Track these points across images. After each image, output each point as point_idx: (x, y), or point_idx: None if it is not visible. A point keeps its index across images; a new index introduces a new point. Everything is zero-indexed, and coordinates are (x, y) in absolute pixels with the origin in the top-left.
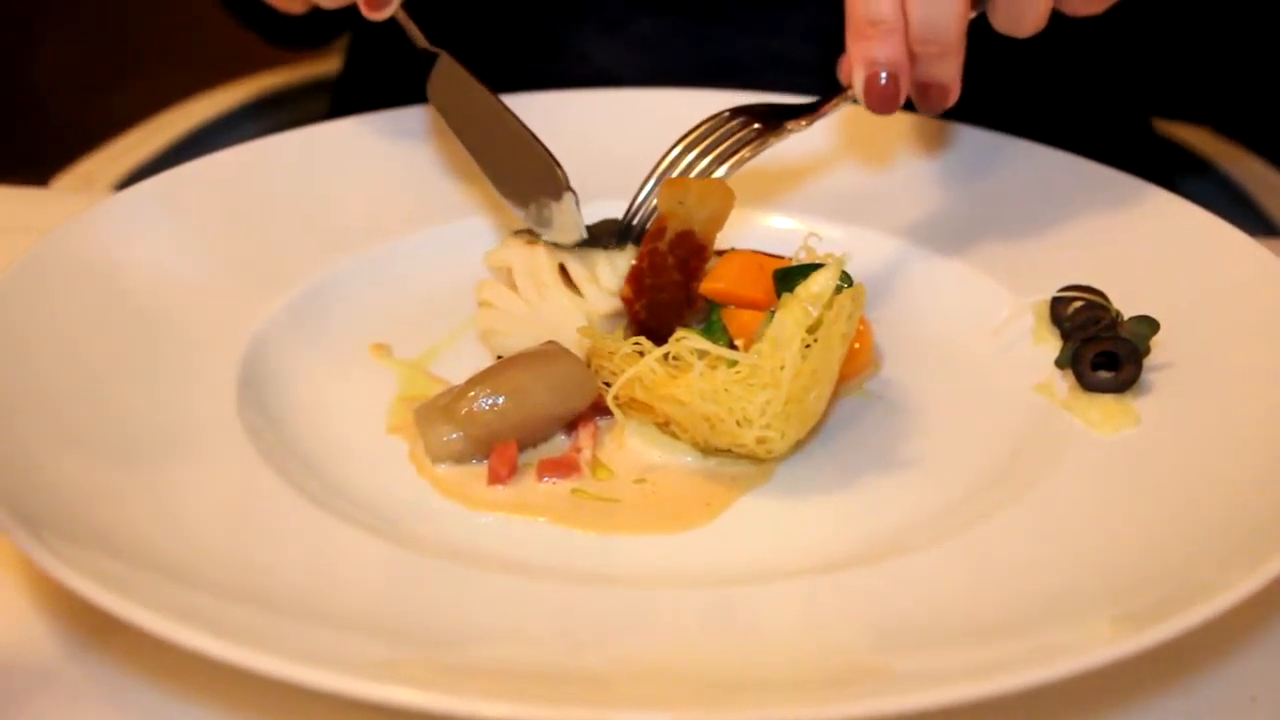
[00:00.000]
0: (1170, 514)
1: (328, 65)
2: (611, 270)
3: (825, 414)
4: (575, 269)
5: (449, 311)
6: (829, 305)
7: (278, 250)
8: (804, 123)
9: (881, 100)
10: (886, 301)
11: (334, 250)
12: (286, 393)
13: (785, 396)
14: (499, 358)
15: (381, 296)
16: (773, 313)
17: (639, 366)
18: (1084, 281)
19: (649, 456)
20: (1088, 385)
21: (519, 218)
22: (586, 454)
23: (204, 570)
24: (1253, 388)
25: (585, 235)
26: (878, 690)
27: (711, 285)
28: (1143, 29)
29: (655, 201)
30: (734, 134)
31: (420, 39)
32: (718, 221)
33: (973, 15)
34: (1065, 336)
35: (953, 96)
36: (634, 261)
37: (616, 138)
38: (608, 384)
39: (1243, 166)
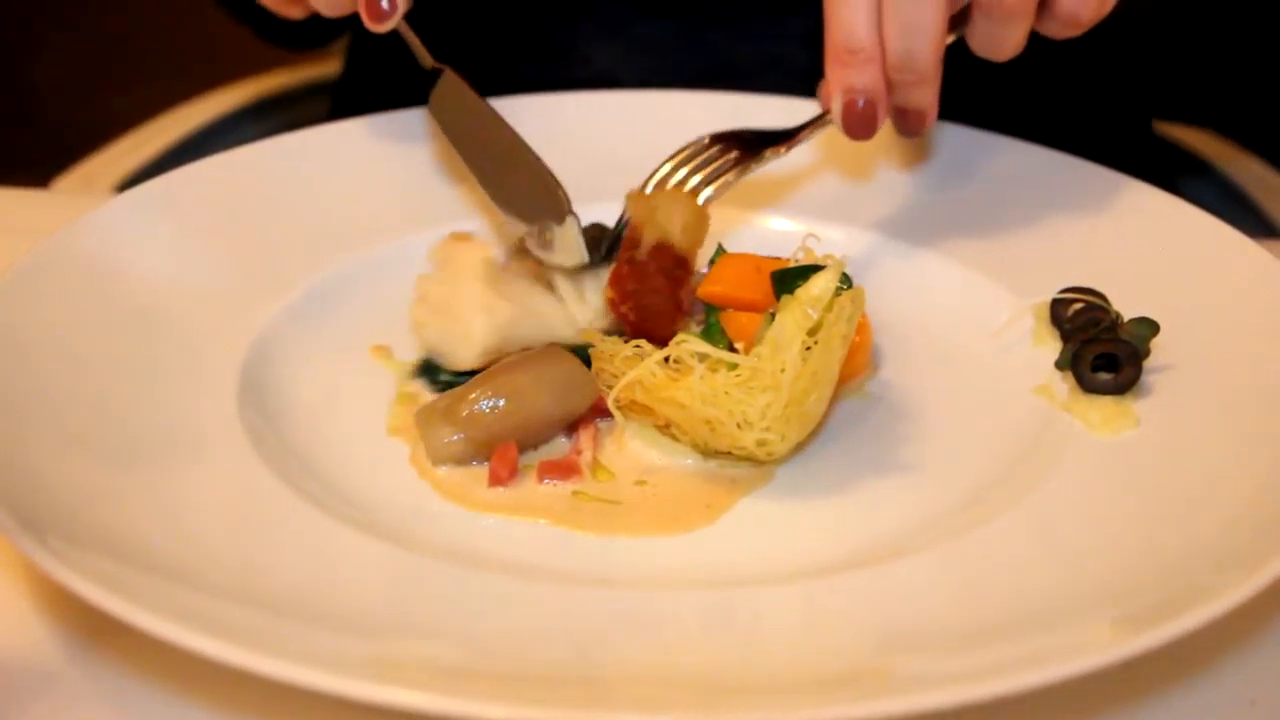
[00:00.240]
0: (1170, 516)
1: (328, 67)
2: (598, 291)
3: (825, 416)
4: (564, 288)
5: None
6: (829, 308)
7: (278, 252)
8: (783, 149)
9: (859, 126)
10: (886, 303)
11: (334, 252)
12: (287, 394)
13: (785, 399)
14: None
15: (382, 298)
16: (772, 315)
17: (639, 369)
18: (1084, 283)
19: (649, 458)
20: (1087, 387)
21: (520, 237)
22: (587, 456)
23: (205, 572)
24: (1252, 390)
25: (586, 259)
26: (878, 692)
27: (709, 288)
28: (1142, 31)
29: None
30: (714, 160)
31: (424, 54)
32: (695, 236)
33: (951, 40)
34: (1065, 338)
35: (930, 121)
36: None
37: (615, 139)
38: (609, 386)
39: (1243, 168)
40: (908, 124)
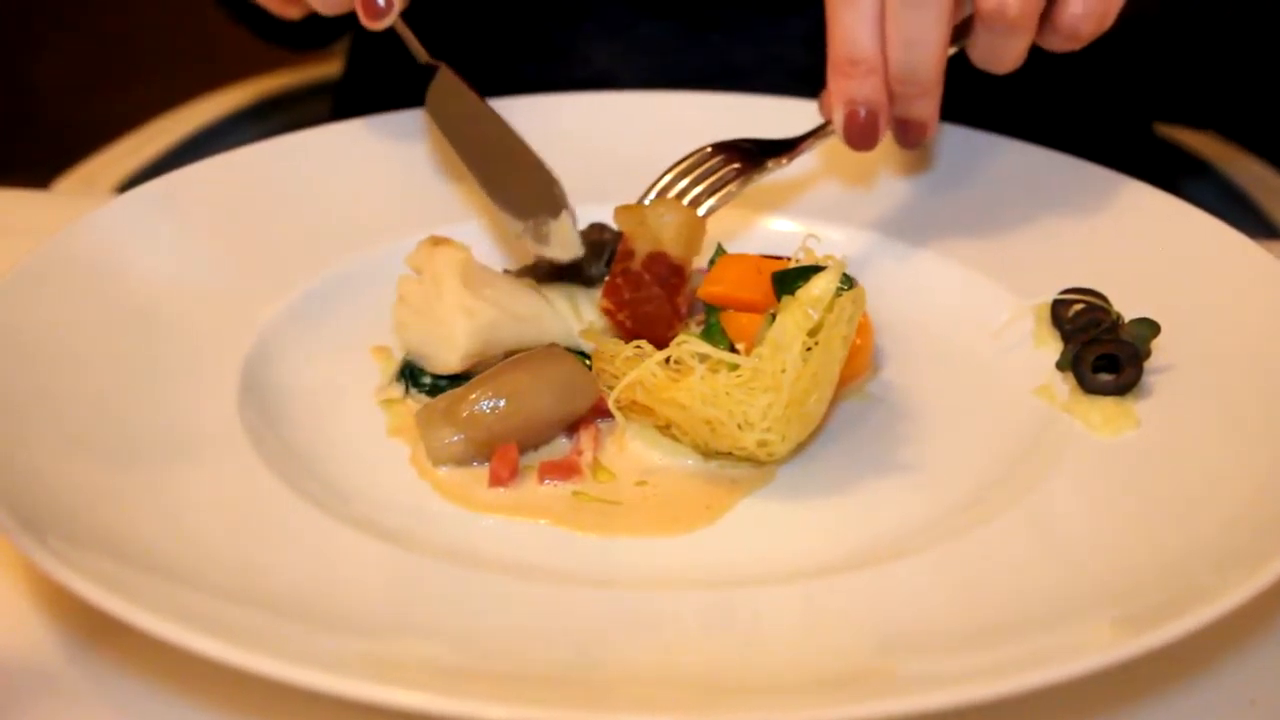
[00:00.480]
0: (1170, 516)
1: (329, 68)
2: (592, 305)
3: (826, 417)
4: (559, 302)
5: None
6: (829, 308)
7: (279, 252)
8: (784, 160)
9: (860, 137)
10: (887, 304)
11: (335, 252)
12: (287, 395)
13: (786, 400)
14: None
15: (382, 298)
16: (772, 315)
17: (640, 370)
18: (1085, 284)
19: (650, 459)
20: (1088, 388)
21: (516, 231)
22: (588, 456)
23: (205, 572)
24: (1253, 390)
25: (582, 252)
26: (879, 692)
27: (710, 289)
28: (1143, 33)
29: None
30: (716, 171)
31: (420, 52)
32: (690, 243)
33: (952, 52)
34: (1066, 339)
35: (930, 132)
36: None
37: (615, 140)
38: (609, 387)
39: (1243, 168)
40: (908, 135)
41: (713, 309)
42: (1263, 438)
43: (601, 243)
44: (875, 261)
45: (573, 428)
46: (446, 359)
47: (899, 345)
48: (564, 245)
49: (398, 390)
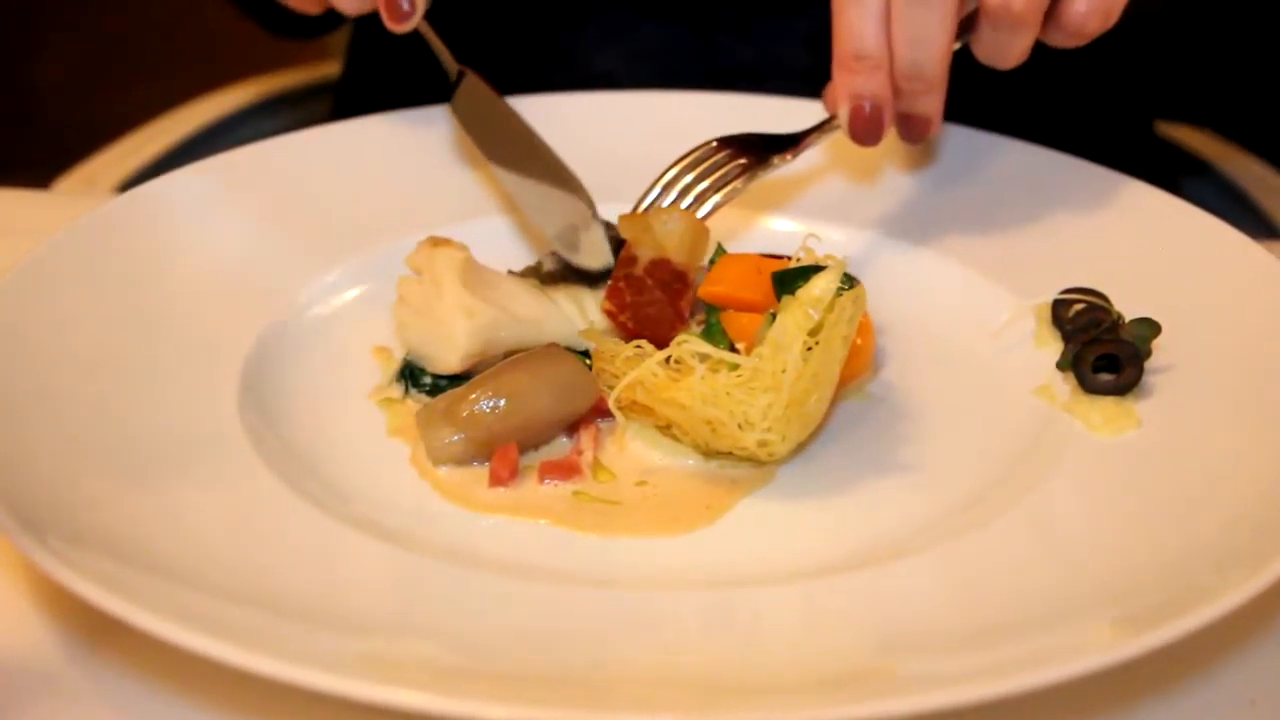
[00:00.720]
0: (1171, 516)
1: (329, 68)
2: (596, 305)
3: (826, 417)
4: (564, 303)
5: None
6: (830, 308)
7: (280, 252)
8: (789, 156)
9: (865, 132)
10: (887, 304)
11: (336, 251)
12: (288, 395)
13: (786, 399)
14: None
15: (383, 298)
16: (773, 315)
17: (640, 370)
18: (1085, 284)
19: (650, 459)
20: (1089, 387)
21: (548, 239)
22: (588, 456)
23: (205, 572)
24: (1253, 390)
25: (612, 261)
26: (879, 692)
27: (710, 288)
28: (1144, 32)
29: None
30: (721, 166)
31: (449, 59)
32: (693, 250)
33: (956, 47)
34: (1066, 339)
35: (935, 128)
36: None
37: (616, 140)
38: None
39: (1243, 168)
40: (912, 130)
41: (713, 309)
42: (1263, 437)
43: (610, 241)
44: (875, 261)
45: (573, 427)
46: (447, 359)
47: (899, 345)
48: (595, 254)
49: (397, 390)
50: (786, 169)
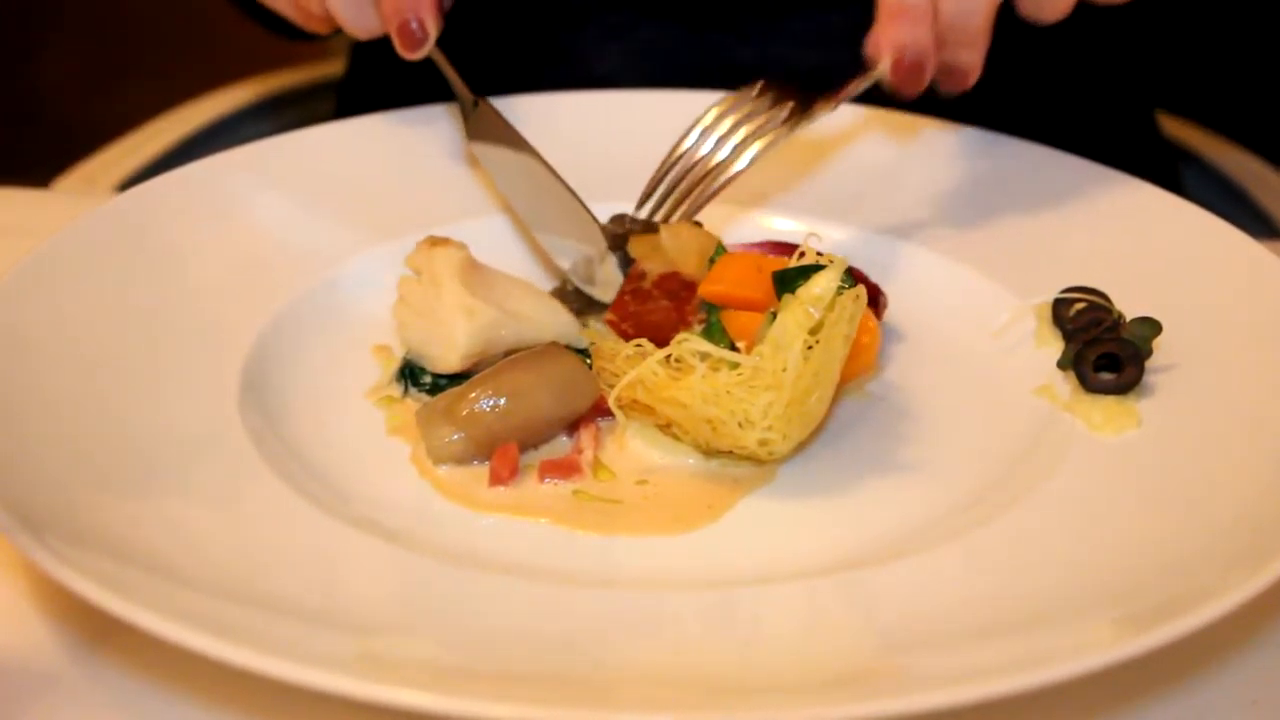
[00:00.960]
0: (1172, 516)
1: (331, 67)
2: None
3: (827, 416)
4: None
5: None
6: (830, 307)
7: (280, 251)
8: (831, 104)
9: (908, 80)
10: (887, 303)
11: (336, 251)
12: (288, 394)
13: (787, 398)
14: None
15: (384, 298)
16: (773, 314)
17: (641, 368)
18: (1086, 283)
19: (651, 458)
20: (1090, 387)
21: (562, 269)
22: (588, 455)
23: (205, 572)
24: (1255, 389)
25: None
26: (880, 692)
27: (710, 287)
28: (1147, 28)
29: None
30: (763, 112)
31: (463, 89)
32: (702, 260)
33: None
34: (1067, 338)
35: (973, 79)
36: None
37: (616, 140)
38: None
39: (1244, 167)
40: (951, 81)
41: (713, 307)
42: (1264, 437)
43: (623, 225)
44: (875, 260)
45: (573, 426)
46: (447, 359)
47: (900, 344)
48: (608, 286)
49: (397, 389)
50: (787, 166)
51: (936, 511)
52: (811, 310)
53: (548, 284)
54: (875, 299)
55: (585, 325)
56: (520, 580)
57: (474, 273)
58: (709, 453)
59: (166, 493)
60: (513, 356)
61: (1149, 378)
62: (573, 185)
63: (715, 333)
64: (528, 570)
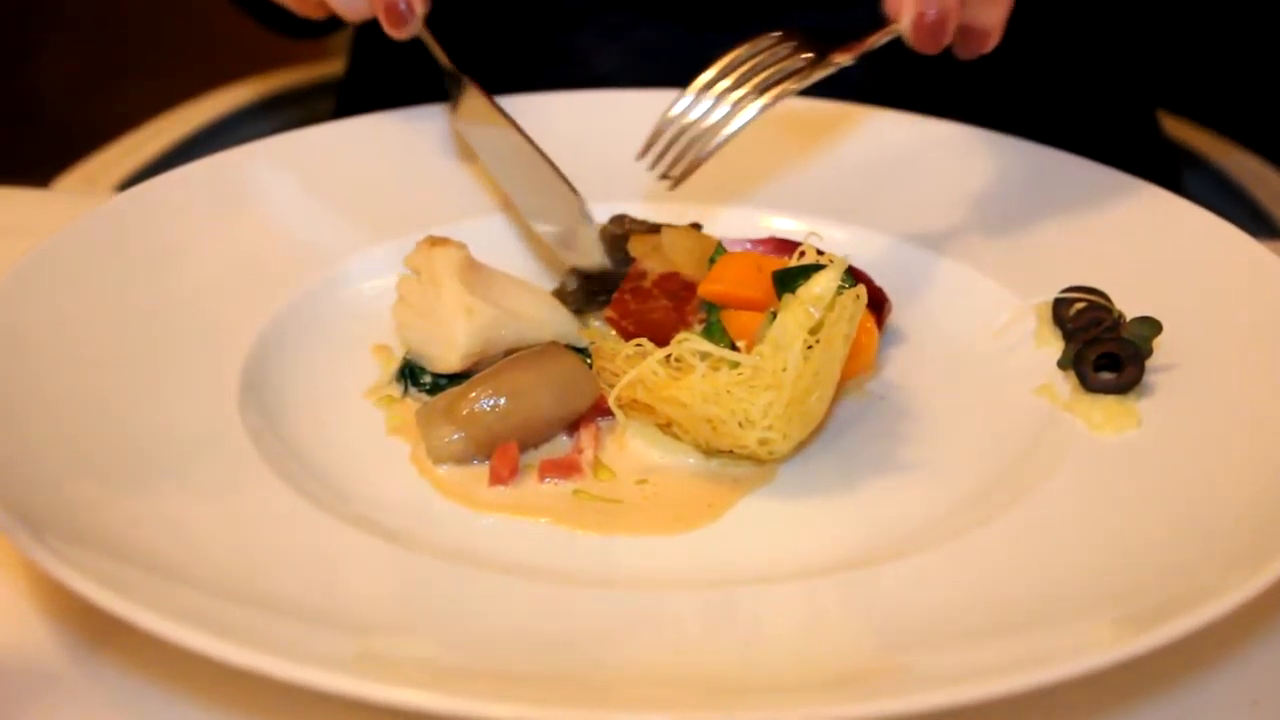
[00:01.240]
0: (1172, 516)
1: (332, 66)
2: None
3: (827, 415)
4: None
5: None
6: (830, 306)
7: (280, 250)
8: (849, 56)
9: (929, 37)
10: (892, 308)
11: (336, 250)
12: (288, 394)
13: (787, 398)
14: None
15: (384, 297)
16: (773, 314)
17: (641, 368)
18: (1086, 283)
19: (651, 457)
20: (1090, 386)
21: (545, 240)
22: (588, 455)
23: (206, 572)
24: (1255, 389)
25: (607, 262)
26: (880, 691)
27: (710, 287)
28: (1147, 27)
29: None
30: (779, 60)
31: (443, 57)
32: (702, 262)
33: None
34: (1067, 338)
35: (993, 42)
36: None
37: (618, 140)
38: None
39: (1244, 167)
40: (970, 43)
41: (713, 307)
42: (1265, 436)
43: (622, 225)
44: (876, 260)
45: (573, 426)
46: (447, 358)
47: (900, 344)
48: (587, 253)
49: (397, 389)
50: (788, 165)
51: (936, 511)
52: (812, 310)
53: (548, 283)
54: (880, 304)
55: (585, 324)
56: (520, 580)
57: (473, 272)
58: (709, 452)
59: (166, 492)
60: (513, 356)
61: (1149, 377)
62: (573, 185)
63: (715, 332)
64: (528, 570)
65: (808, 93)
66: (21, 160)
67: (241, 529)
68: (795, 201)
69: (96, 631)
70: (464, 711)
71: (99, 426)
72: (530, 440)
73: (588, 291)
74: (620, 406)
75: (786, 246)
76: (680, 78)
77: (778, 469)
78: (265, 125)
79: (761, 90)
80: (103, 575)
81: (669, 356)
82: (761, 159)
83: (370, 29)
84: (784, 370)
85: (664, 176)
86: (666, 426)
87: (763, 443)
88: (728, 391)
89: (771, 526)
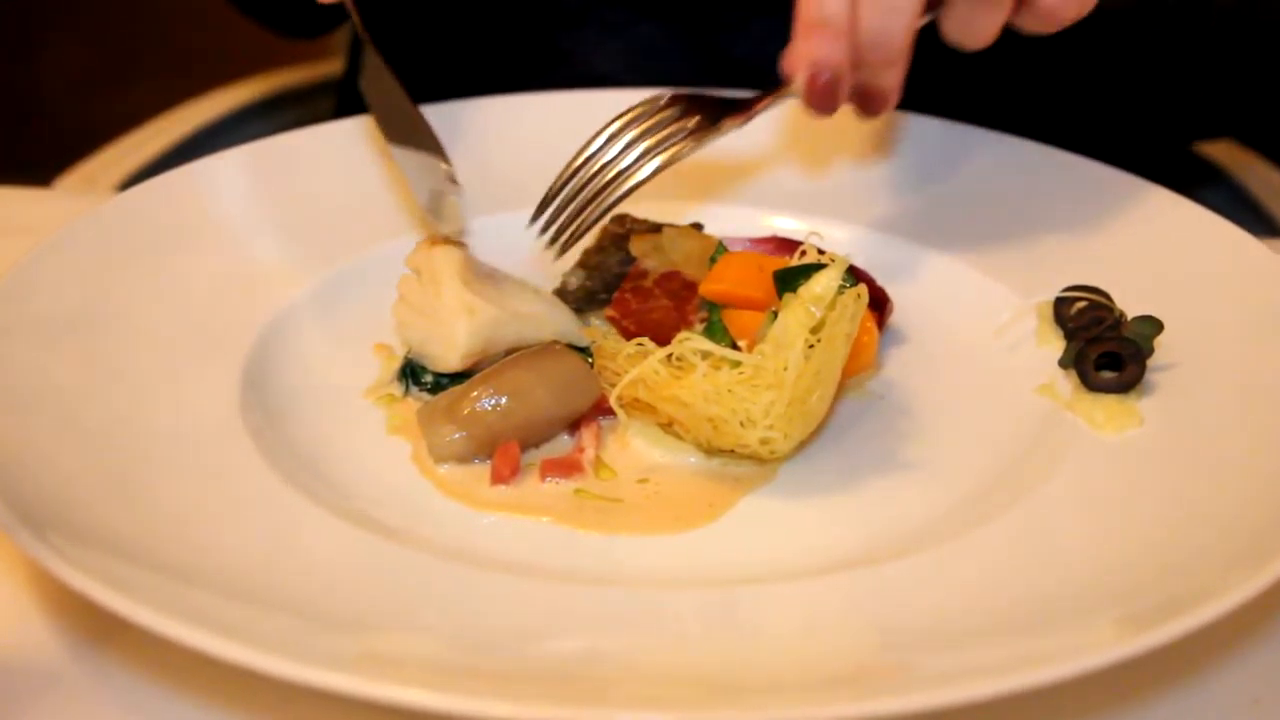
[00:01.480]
0: (1173, 515)
1: (331, 66)
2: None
3: (828, 414)
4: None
5: None
6: (832, 306)
7: (281, 251)
8: (740, 120)
9: (821, 100)
10: (894, 309)
11: (337, 250)
12: (289, 393)
13: (788, 397)
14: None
15: (385, 296)
16: (774, 313)
17: (642, 367)
18: (1087, 282)
19: (652, 457)
20: (1091, 385)
21: (419, 204)
22: (589, 454)
23: (207, 570)
24: (1256, 388)
25: (466, 227)
26: (880, 691)
27: (711, 286)
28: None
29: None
30: (670, 123)
31: (358, 25)
32: (703, 263)
33: (924, 22)
34: (1069, 337)
35: (892, 104)
36: (618, 291)
37: None
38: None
39: (1245, 167)
40: (869, 105)
41: (714, 306)
42: (1266, 436)
43: (612, 238)
44: (877, 260)
45: (574, 425)
46: (448, 357)
47: (901, 343)
48: (451, 220)
49: (398, 388)
50: (788, 165)
51: (938, 510)
52: (813, 309)
53: (548, 283)
54: (881, 303)
55: (586, 323)
56: (521, 579)
57: (474, 271)
58: (710, 451)
59: (168, 491)
60: (514, 355)
61: (1150, 376)
62: (445, 151)
63: (716, 331)
64: (529, 569)
65: None
66: (22, 160)
67: (243, 528)
68: (796, 201)
69: (98, 630)
70: (464, 710)
71: (100, 425)
72: (531, 439)
73: (589, 291)
74: (621, 406)
75: (788, 246)
76: (680, 76)
77: (779, 468)
78: (265, 125)
79: (658, 150)
80: (104, 574)
81: (670, 356)
82: (762, 159)
83: (371, 28)
84: (785, 369)
85: (551, 244)
86: (668, 426)
87: (764, 442)
88: (729, 391)
89: (772, 526)
